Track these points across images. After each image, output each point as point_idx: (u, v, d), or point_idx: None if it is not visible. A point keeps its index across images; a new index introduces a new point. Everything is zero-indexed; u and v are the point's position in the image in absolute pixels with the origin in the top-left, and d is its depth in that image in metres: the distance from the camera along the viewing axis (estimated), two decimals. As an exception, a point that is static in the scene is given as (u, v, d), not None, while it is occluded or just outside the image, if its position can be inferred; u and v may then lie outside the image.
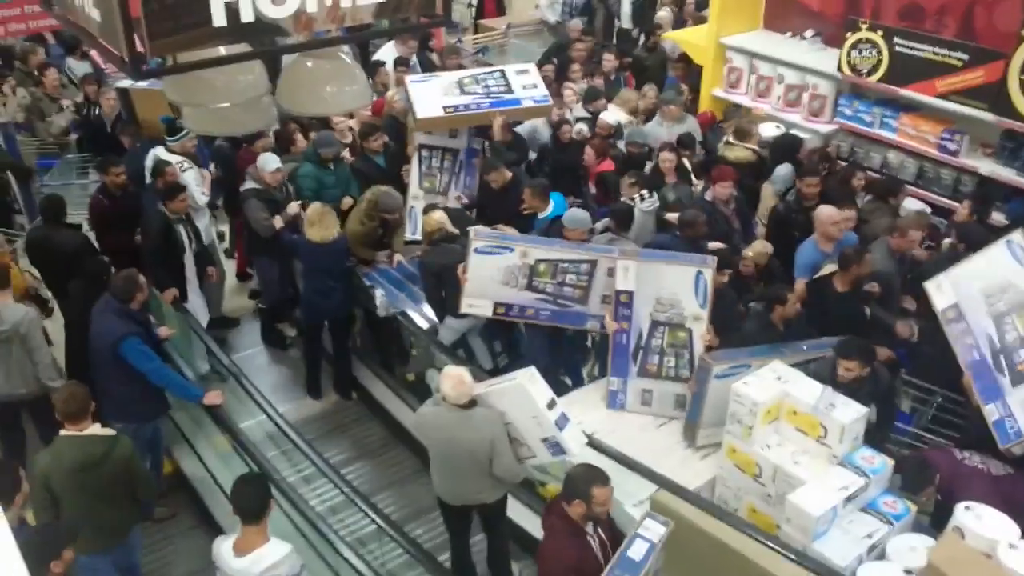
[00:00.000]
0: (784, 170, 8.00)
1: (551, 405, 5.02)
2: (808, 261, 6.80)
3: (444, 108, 7.80)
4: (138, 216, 7.62)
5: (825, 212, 6.86)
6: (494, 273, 6.41)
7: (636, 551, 4.14)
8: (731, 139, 8.53)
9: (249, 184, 7.68)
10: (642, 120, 9.49)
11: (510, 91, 8.01)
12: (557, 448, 5.07)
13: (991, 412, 5.17)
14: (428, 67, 10.59)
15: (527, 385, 5.00)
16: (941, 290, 5.30)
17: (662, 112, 9.17)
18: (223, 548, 4.44)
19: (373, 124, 8.41)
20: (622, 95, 9.80)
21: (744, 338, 6.01)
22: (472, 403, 5.06)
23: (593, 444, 5.37)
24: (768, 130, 8.85)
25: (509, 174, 7.75)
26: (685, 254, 6.19)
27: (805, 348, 5.83)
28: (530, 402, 4.99)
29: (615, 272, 6.03)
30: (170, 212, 7.23)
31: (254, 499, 4.43)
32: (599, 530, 4.46)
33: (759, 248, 6.80)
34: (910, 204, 7.79)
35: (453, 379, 5.03)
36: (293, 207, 7.48)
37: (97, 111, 9.63)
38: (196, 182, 7.92)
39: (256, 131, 7.60)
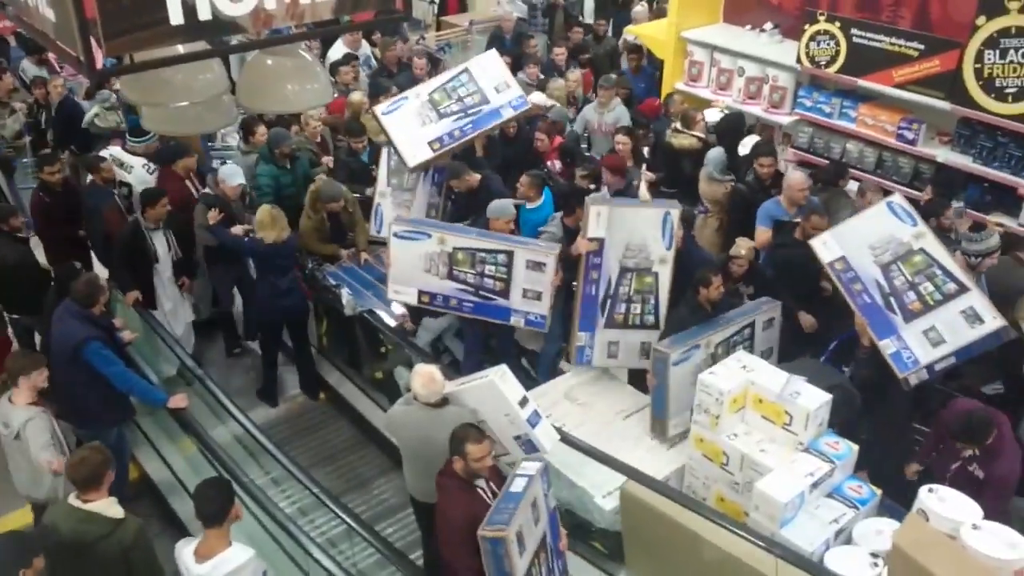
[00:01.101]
0: (715, 153, 8.18)
1: (523, 403, 5.01)
2: (772, 214, 7.16)
3: (430, 144, 7.33)
4: (80, 211, 7.57)
5: (795, 178, 7.21)
6: (416, 260, 6.43)
7: (516, 485, 4.40)
8: (678, 126, 8.66)
9: (207, 190, 7.67)
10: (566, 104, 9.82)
11: (486, 100, 7.46)
12: (530, 445, 5.05)
13: (887, 346, 5.64)
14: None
15: (498, 383, 4.98)
16: (827, 246, 5.89)
17: (598, 94, 9.57)
18: (184, 553, 4.35)
19: (362, 125, 8.47)
20: (550, 85, 9.86)
21: (679, 323, 6.12)
22: (444, 401, 5.03)
23: (561, 437, 5.38)
24: (713, 115, 9.01)
25: (476, 177, 7.62)
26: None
27: (733, 317, 6.03)
28: (502, 400, 4.97)
29: (541, 265, 6.13)
30: (148, 220, 7.07)
31: (214, 502, 4.33)
32: (491, 484, 4.58)
33: (748, 245, 6.83)
34: (855, 187, 7.97)
35: (424, 377, 5.00)
36: (238, 230, 7.31)
37: (43, 114, 9.55)
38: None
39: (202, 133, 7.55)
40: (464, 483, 4.50)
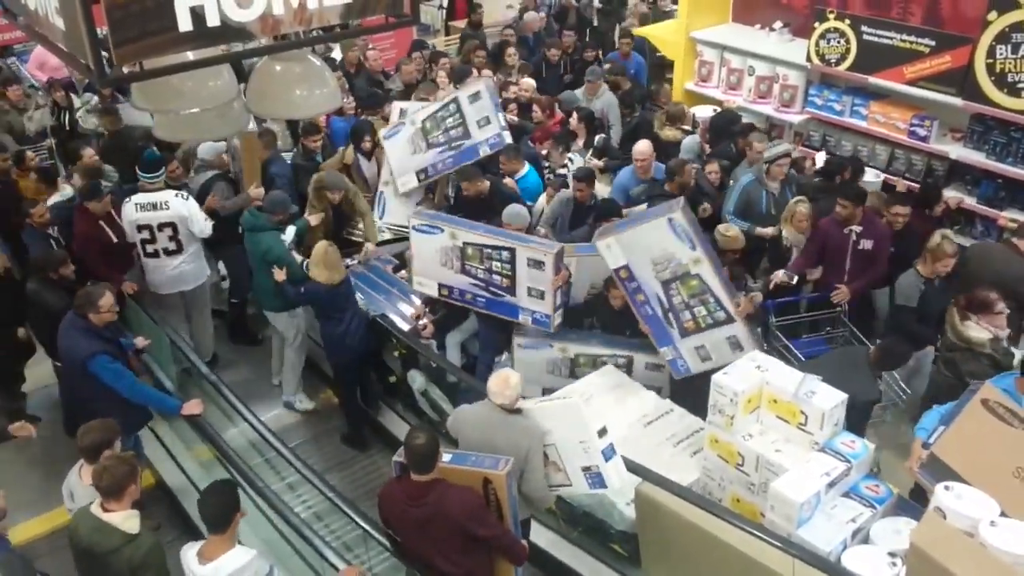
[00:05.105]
0: (690, 141, 8.52)
1: (602, 433, 4.77)
2: (625, 184, 7.96)
3: (417, 174, 8.09)
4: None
5: (640, 146, 7.90)
6: (433, 253, 6.61)
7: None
8: (664, 121, 8.94)
9: (206, 173, 7.72)
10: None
11: (467, 135, 7.88)
12: (598, 480, 4.82)
13: (665, 353, 6.27)
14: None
15: (583, 407, 4.80)
16: (611, 250, 6.10)
17: (585, 86, 9.80)
18: (189, 556, 4.34)
19: (315, 124, 8.52)
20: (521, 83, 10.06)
21: None
22: (517, 410, 4.84)
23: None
24: (705, 112, 9.24)
25: (487, 183, 7.65)
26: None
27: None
28: (582, 426, 4.73)
29: (540, 264, 6.21)
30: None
31: (217, 507, 4.30)
32: None
33: (734, 233, 6.94)
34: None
35: (500, 378, 4.84)
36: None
37: (66, 116, 9.59)
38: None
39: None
40: (446, 480, 4.48)
